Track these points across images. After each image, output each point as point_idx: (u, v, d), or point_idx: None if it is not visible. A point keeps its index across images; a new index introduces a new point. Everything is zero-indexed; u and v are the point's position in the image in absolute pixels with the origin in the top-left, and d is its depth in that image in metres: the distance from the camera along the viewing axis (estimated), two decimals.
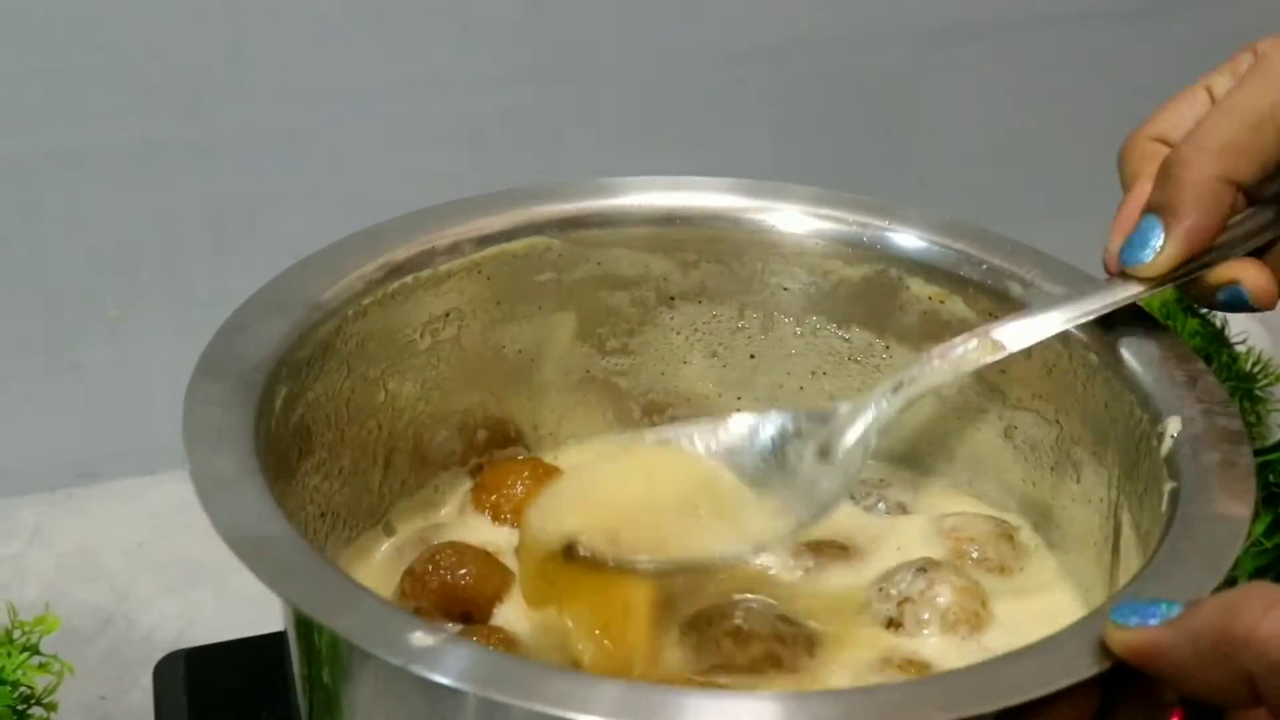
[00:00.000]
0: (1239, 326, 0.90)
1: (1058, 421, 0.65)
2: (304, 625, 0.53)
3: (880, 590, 0.63)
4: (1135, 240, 0.58)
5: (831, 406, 0.59)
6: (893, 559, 0.65)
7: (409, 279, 0.65)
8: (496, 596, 0.62)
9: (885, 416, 0.59)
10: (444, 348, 0.67)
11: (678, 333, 0.72)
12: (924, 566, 0.63)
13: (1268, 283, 0.58)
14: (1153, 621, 0.45)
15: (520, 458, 0.70)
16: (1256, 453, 0.78)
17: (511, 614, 0.62)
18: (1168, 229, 0.57)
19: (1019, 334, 0.60)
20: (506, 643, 0.60)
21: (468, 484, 0.70)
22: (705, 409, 0.73)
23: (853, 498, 0.69)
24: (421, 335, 0.66)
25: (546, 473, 0.69)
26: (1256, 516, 0.77)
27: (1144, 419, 0.59)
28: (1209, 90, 0.60)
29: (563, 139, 0.89)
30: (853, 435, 0.58)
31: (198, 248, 0.85)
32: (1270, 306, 0.59)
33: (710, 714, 0.45)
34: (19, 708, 0.64)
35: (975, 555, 0.65)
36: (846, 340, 0.71)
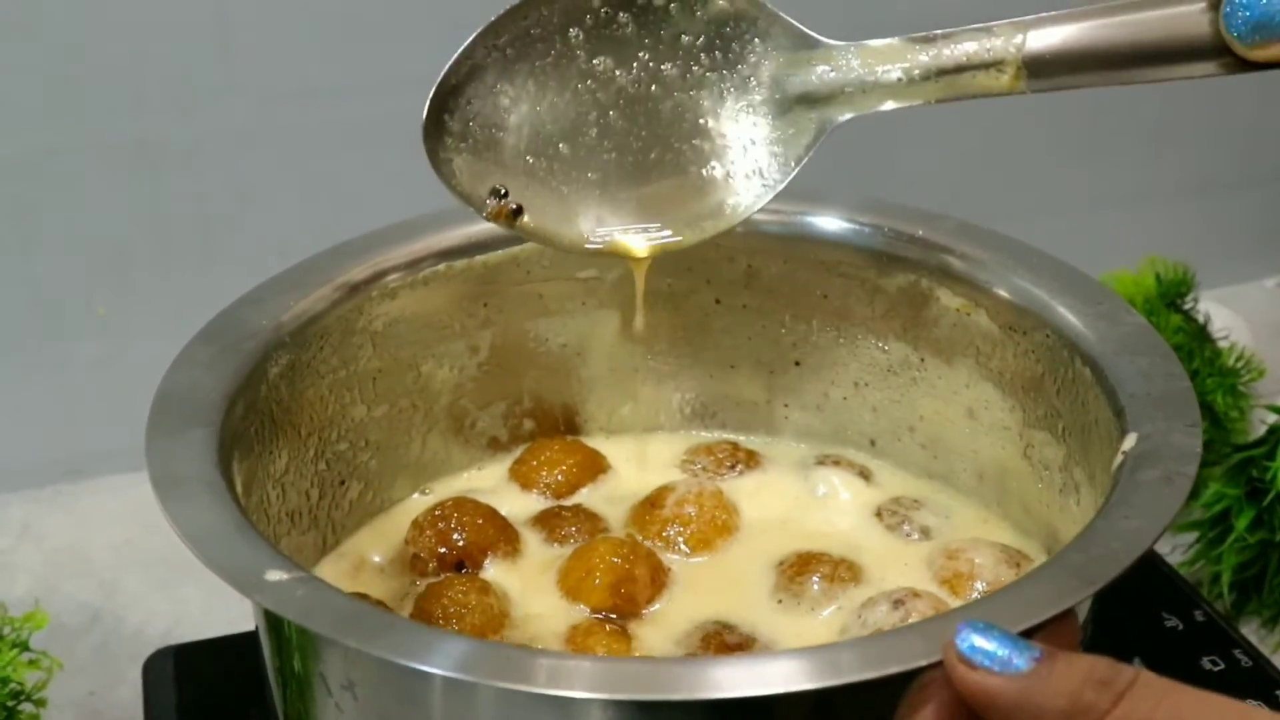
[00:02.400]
0: (1221, 322, 0.87)
1: (1065, 440, 0.63)
2: (273, 618, 0.55)
3: (859, 618, 0.62)
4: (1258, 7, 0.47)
5: (816, 39, 0.54)
6: (891, 585, 0.64)
7: (441, 267, 0.68)
8: (490, 549, 0.65)
9: (869, 103, 0.53)
10: (483, 336, 0.70)
11: (725, 333, 0.73)
12: (901, 598, 0.61)
13: None
14: (997, 670, 0.43)
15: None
16: (1239, 448, 0.75)
17: (502, 568, 0.65)
18: None
19: (1053, 74, 0.52)
20: (481, 590, 0.62)
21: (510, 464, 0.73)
22: (754, 414, 0.74)
23: (879, 515, 0.68)
24: (458, 322, 0.70)
25: (576, 450, 0.71)
26: (1240, 512, 0.74)
27: (1117, 436, 0.57)
28: None
29: None
30: (834, 80, 0.53)
31: (186, 246, 0.87)
32: None
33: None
34: (8, 704, 0.65)
35: (980, 586, 0.63)
36: (885, 351, 0.70)
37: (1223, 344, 0.87)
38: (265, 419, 0.62)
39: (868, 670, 0.46)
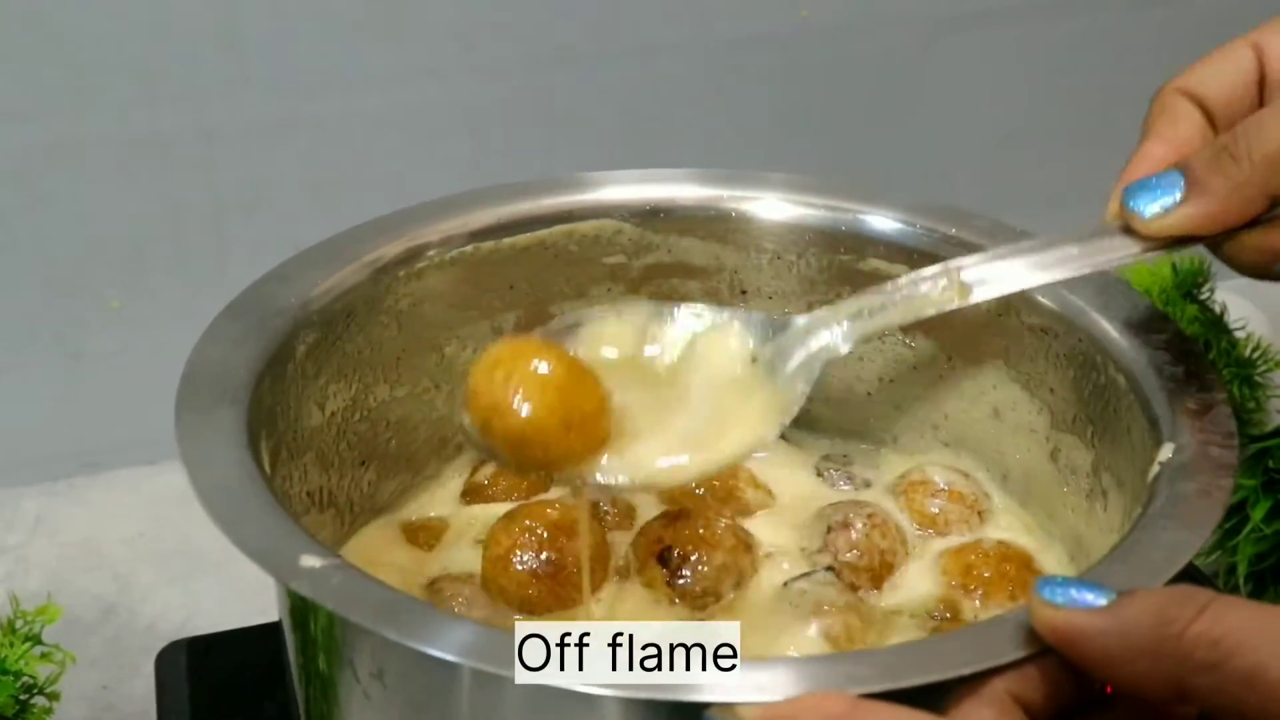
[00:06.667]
0: (1238, 312, 0.87)
1: (1094, 446, 0.63)
2: (299, 613, 0.55)
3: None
4: (1151, 186, 0.53)
5: (786, 318, 0.57)
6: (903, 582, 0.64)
7: (469, 249, 0.68)
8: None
9: (834, 349, 0.56)
10: (507, 319, 0.70)
11: None
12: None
13: None
14: (1081, 606, 0.44)
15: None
16: (1255, 439, 0.75)
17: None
18: (1186, 199, 0.53)
19: (990, 282, 0.56)
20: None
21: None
22: None
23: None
24: (483, 303, 0.69)
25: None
26: (1256, 503, 0.75)
27: (1151, 445, 0.57)
28: (1257, 47, 0.55)
29: (563, 128, 0.89)
30: (798, 359, 0.56)
31: (200, 238, 0.86)
32: None
33: None
34: (22, 697, 0.64)
35: (987, 574, 0.63)
36: (911, 348, 0.70)
37: (1239, 334, 0.86)
38: (291, 397, 0.61)
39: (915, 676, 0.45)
